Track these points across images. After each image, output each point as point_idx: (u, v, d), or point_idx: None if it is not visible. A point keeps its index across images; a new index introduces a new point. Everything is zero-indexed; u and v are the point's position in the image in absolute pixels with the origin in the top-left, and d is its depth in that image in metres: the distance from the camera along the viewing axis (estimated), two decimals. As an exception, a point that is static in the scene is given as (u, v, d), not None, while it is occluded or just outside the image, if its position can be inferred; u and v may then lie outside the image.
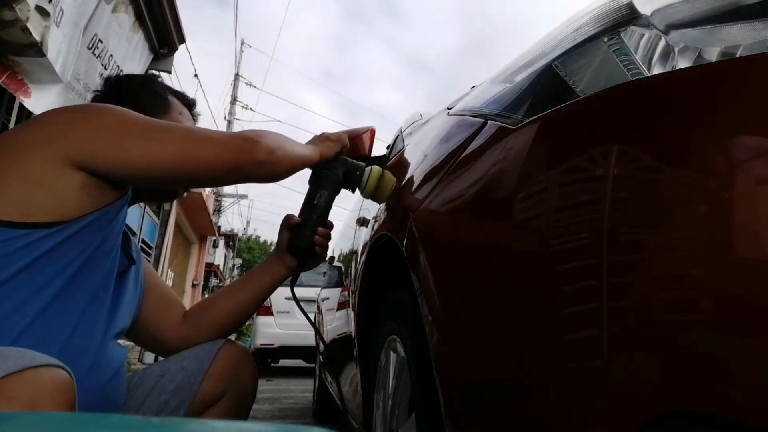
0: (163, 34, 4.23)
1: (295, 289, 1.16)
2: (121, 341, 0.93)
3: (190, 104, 1.09)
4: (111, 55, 3.34)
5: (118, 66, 3.40)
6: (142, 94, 0.99)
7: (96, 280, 0.81)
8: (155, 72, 1.23)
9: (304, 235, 1.09)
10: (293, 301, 1.11)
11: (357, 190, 1.14)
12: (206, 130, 0.91)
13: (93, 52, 3.13)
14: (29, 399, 0.50)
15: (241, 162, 0.89)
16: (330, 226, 1.14)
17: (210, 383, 0.97)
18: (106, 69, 3.25)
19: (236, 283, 1.15)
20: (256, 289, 1.10)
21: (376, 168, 1.11)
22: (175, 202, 9.14)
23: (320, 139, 1.10)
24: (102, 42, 3.20)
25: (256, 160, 0.89)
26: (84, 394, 0.71)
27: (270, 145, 0.91)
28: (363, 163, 1.14)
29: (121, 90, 1.00)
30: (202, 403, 0.96)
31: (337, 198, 1.16)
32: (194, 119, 1.11)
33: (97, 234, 0.80)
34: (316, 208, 1.10)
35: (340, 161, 1.12)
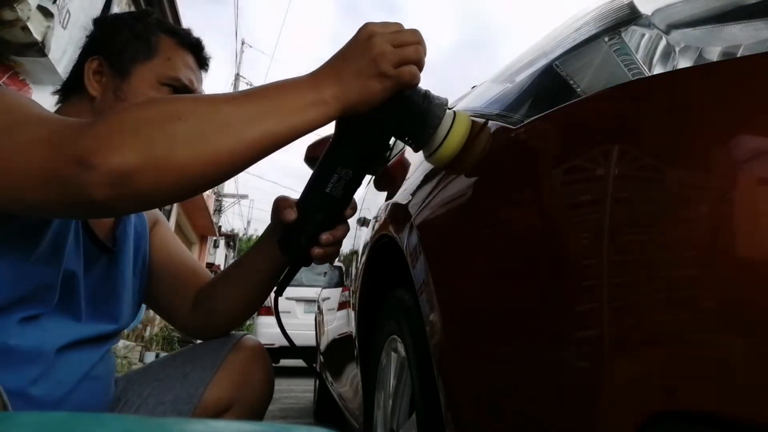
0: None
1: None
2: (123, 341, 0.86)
3: (191, 45, 0.84)
4: None
5: None
6: (120, 38, 0.80)
7: (31, 289, 0.67)
8: (149, 9, 0.92)
9: (299, 242, 0.72)
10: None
11: (424, 148, 0.67)
12: (34, 116, 0.56)
13: None
14: None
15: (58, 202, 0.53)
16: (344, 222, 0.75)
17: (212, 395, 0.84)
18: None
19: (234, 268, 0.91)
20: (255, 280, 0.87)
21: (463, 117, 0.64)
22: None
23: (353, 63, 0.59)
24: None
25: (84, 200, 0.51)
26: (33, 404, 0.63)
27: (115, 165, 0.50)
28: (443, 99, 0.65)
29: (100, 33, 0.82)
30: (201, 416, 0.83)
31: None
32: (203, 65, 0.87)
33: (15, 241, 0.64)
34: (326, 200, 0.69)
35: (395, 103, 0.62)
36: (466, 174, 0.67)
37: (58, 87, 0.83)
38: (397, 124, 0.64)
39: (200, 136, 0.53)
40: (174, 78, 0.80)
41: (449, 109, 0.66)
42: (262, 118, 0.56)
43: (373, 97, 0.60)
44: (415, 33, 0.61)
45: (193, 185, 0.55)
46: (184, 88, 0.81)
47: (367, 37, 0.59)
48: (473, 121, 0.65)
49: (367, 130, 0.65)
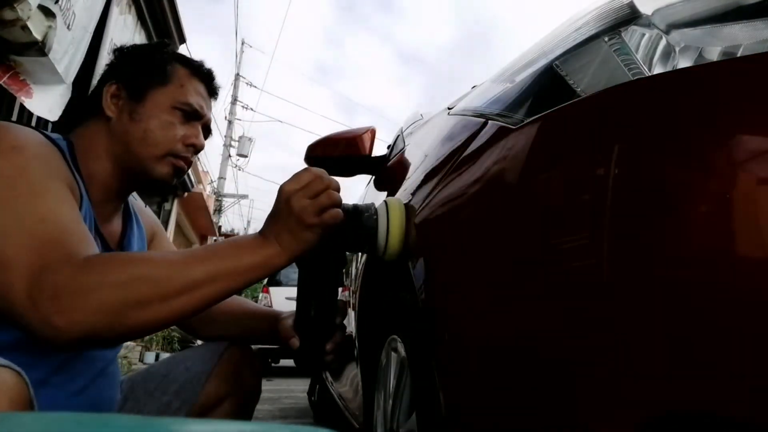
0: (163, 34, 4.24)
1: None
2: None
3: (203, 75, 0.92)
4: None
5: None
6: (138, 65, 0.87)
7: None
8: (165, 41, 1.00)
9: (310, 361, 0.82)
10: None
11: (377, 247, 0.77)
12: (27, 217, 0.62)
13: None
14: None
15: (19, 319, 0.58)
16: (341, 328, 0.84)
17: (213, 385, 0.94)
18: None
19: (236, 315, 1.01)
20: (251, 334, 0.99)
21: (393, 201, 0.74)
22: (176, 202, 9.15)
23: (284, 225, 0.69)
24: (116, 45, 3.24)
25: (49, 341, 0.57)
26: (54, 392, 0.70)
27: (83, 329, 0.57)
28: (369, 206, 0.75)
29: (119, 61, 0.90)
30: (204, 405, 0.94)
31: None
32: (213, 94, 0.94)
33: None
34: (315, 323, 0.80)
35: (332, 234, 0.72)
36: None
37: (75, 108, 0.91)
38: (341, 247, 0.75)
39: (168, 299, 0.62)
40: (186, 103, 0.87)
41: (383, 203, 0.75)
42: (220, 279, 0.66)
43: (311, 243, 0.71)
44: (321, 179, 0.71)
45: (154, 333, 0.67)
46: (194, 113, 0.88)
47: (285, 199, 0.70)
48: (406, 206, 0.74)
49: (319, 262, 0.76)
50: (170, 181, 0.88)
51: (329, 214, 0.70)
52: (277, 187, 0.73)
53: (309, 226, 0.69)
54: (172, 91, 0.86)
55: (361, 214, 0.73)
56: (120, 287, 0.60)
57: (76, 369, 0.77)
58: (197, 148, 0.89)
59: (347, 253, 0.79)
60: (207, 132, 0.94)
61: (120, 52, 0.92)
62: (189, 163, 0.89)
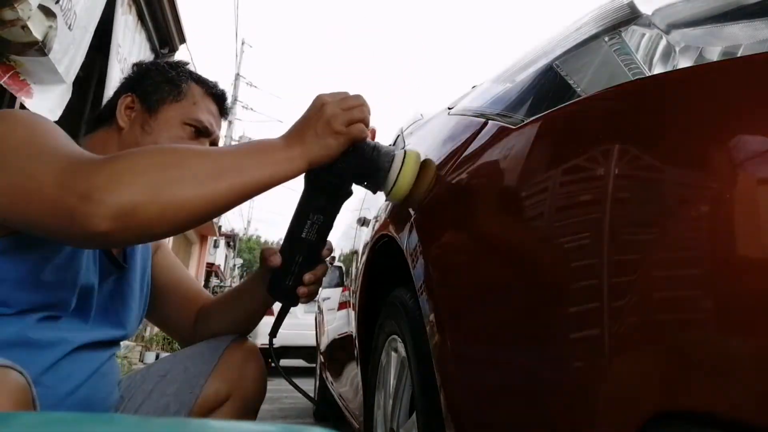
0: (164, 34, 4.24)
1: None
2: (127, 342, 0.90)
3: (215, 95, 0.95)
4: (125, 59, 3.38)
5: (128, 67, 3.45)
6: (154, 80, 0.90)
7: (49, 296, 0.73)
8: (183, 60, 1.05)
9: (284, 284, 0.83)
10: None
11: (382, 189, 0.78)
12: (51, 152, 0.62)
13: (117, 59, 3.18)
14: None
15: (63, 230, 0.59)
16: (323, 262, 0.86)
17: (213, 386, 0.92)
18: (123, 74, 3.29)
19: (228, 298, 1.03)
20: (245, 311, 1.00)
21: (412, 153, 0.75)
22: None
23: (312, 127, 0.72)
24: (120, 47, 3.25)
25: (87, 231, 0.56)
26: (46, 391, 0.67)
27: (122, 201, 0.56)
28: (391, 148, 0.77)
29: (137, 76, 0.93)
30: (203, 406, 0.91)
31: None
32: (223, 114, 0.97)
33: (32, 253, 0.70)
34: (303, 244, 0.81)
35: (350, 155, 0.74)
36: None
37: (90, 117, 0.93)
38: (353, 171, 0.77)
39: (199, 181, 0.63)
40: (197, 120, 0.90)
41: (401, 150, 0.77)
42: (249, 168, 0.67)
43: (332, 152, 0.73)
44: (358, 97, 0.75)
45: (189, 221, 0.63)
46: (204, 130, 0.91)
47: (320, 105, 0.73)
48: (423, 158, 0.77)
49: (330, 179, 0.77)
50: None
51: (357, 126, 0.73)
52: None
53: (335, 132, 0.72)
54: (185, 108, 0.89)
55: (380, 152, 0.75)
56: (154, 167, 0.61)
57: (69, 369, 0.76)
58: None
59: (356, 187, 0.81)
60: None
61: (139, 66, 0.96)
62: None
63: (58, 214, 0.57)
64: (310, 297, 0.85)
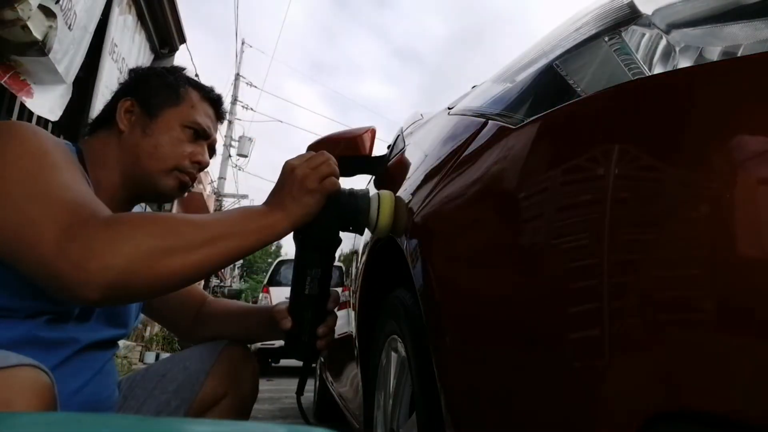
0: (164, 34, 4.24)
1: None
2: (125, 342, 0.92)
3: (212, 100, 0.98)
4: (123, 58, 3.37)
5: (127, 67, 3.43)
6: (153, 85, 0.93)
7: (52, 303, 0.74)
8: (180, 66, 1.07)
9: (301, 342, 0.85)
10: None
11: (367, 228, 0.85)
12: (58, 191, 0.65)
13: (112, 57, 3.17)
14: (2, 399, 0.48)
15: (52, 289, 0.62)
16: (332, 313, 0.89)
17: (211, 383, 0.96)
18: (120, 73, 3.29)
19: (234, 312, 1.08)
20: (246, 335, 1.04)
21: (386, 194, 0.82)
22: (176, 202, 9.14)
23: (288, 191, 0.77)
24: (117, 46, 3.25)
25: (77, 298, 0.60)
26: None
27: (115, 273, 0.59)
28: (365, 191, 0.84)
29: (135, 81, 0.95)
30: (203, 403, 0.95)
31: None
32: (220, 117, 1.00)
33: None
34: (309, 300, 0.84)
35: (329, 207, 0.79)
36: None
37: (91, 121, 0.95)
38: (337, 220, 0.82)
39: (191, 249, 0.68)
40: (195, 122, 0.93)
41: (375, 192, 0.82)
42: (236, 236, 0.73)
43: (311, 209, 0.78)
44: (323, 154, 0.81)
45: (179, 286, 0.70)
46: (203, 132, 0.94)
47: (290, 170, 0.79)
48: (395, 196, 0.83)
49: (317, 235, 0.82)
50: (175, 194, 0.93)
51: (329, 180, 0.79)
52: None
53: (310, 191, 0.78)
54: (184, 111, 0.92)
55: (356, 197, 0.82)
56: (149, 236, 0.64)
57: (75, 368, 0.79)
58: (202, 166, 0.94)
59: (341, 234, 0.85)
60: (212, 151, 0.99)
61: (136, 72, 0.98)
62: (194, 179, 0.95)
63: (51, 275, 0.60)
64: (328, 347, 0.88)
